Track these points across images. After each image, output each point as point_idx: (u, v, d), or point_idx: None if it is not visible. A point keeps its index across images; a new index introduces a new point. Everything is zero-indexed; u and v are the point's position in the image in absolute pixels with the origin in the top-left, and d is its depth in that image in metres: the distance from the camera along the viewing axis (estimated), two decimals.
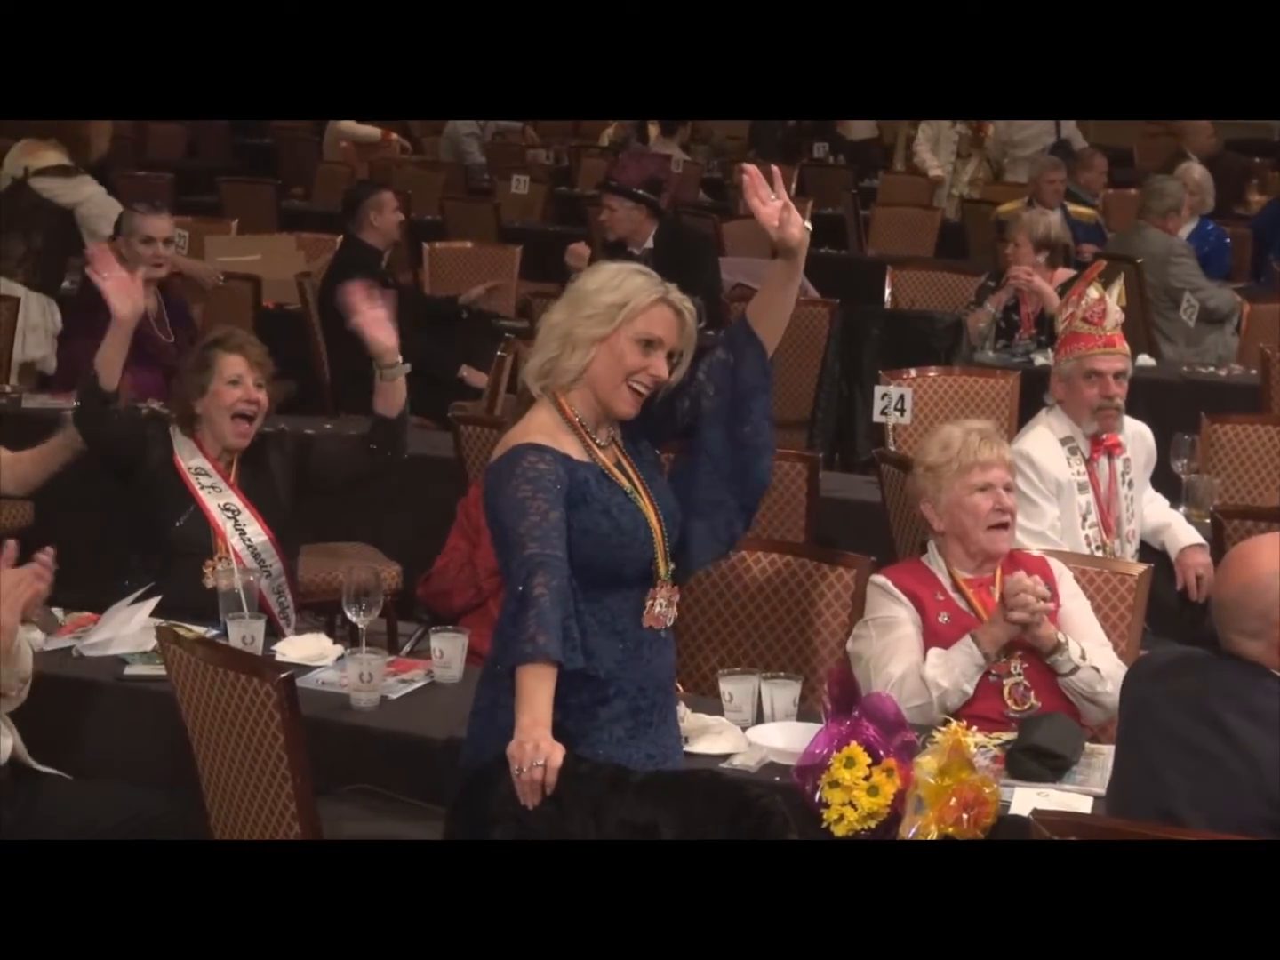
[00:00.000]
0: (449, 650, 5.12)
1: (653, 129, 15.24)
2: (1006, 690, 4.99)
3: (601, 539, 4.16)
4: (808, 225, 4.24)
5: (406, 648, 6.18)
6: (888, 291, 10.36)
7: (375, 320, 5.74)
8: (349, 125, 15.46)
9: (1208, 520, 6.30)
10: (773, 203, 4.21)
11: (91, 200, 9.81)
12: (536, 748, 3.88)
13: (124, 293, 5.81)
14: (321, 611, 6.46)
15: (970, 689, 4.94)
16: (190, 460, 5.75)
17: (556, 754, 3.89)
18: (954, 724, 4.48)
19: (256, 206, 13.06)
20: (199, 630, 5.10)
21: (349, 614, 5.16)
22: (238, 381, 5.72)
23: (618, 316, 4.20)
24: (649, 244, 9.29)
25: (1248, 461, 7.07)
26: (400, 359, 5.77)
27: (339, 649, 5.27)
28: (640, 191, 9.60)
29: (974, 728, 4.53)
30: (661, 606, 4.27)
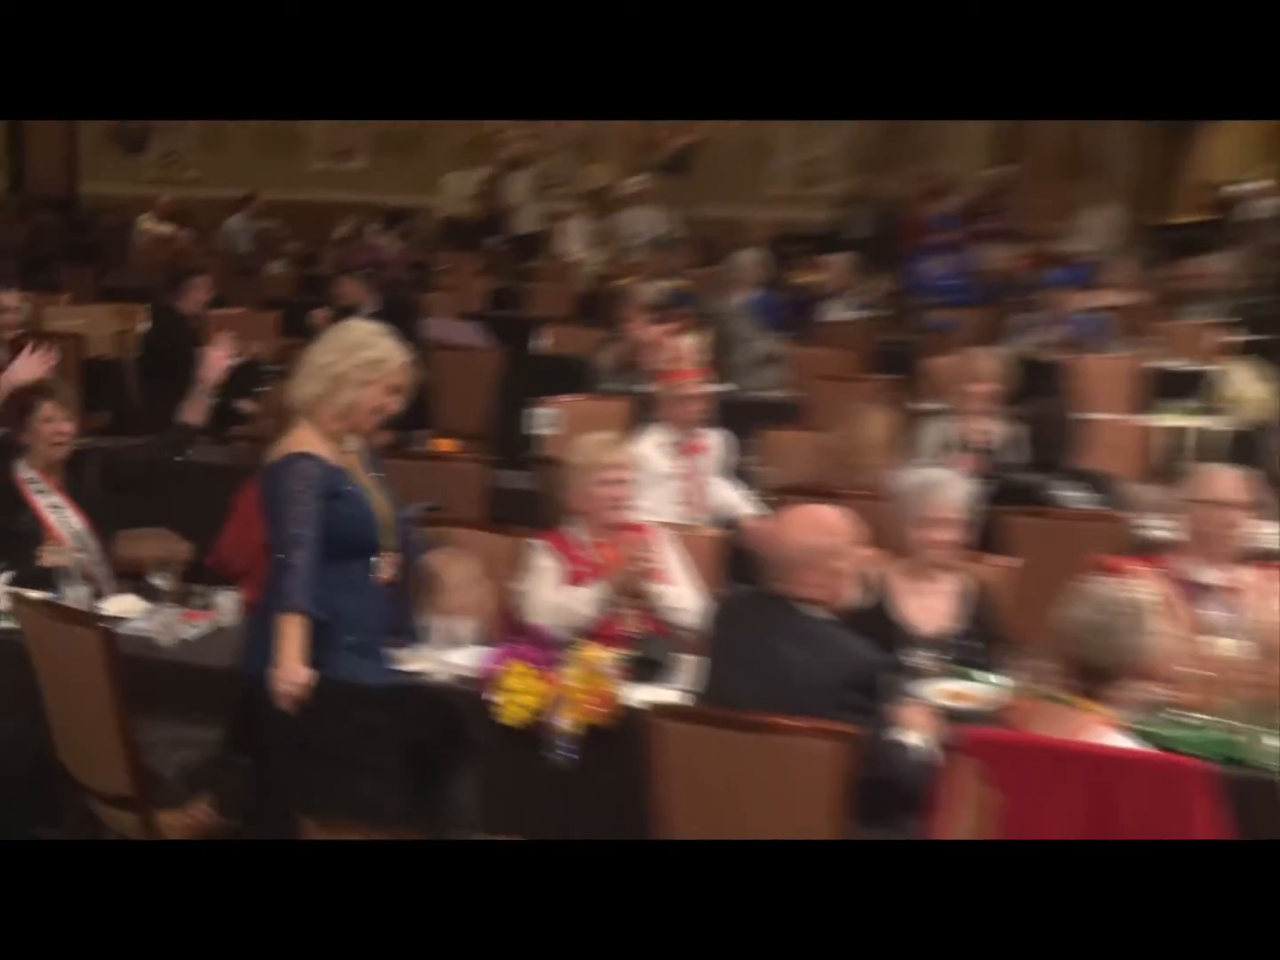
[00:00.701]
0: (228, 604, 5.15)
1: (373, 225, 15.12)
2: (626, 619, 5.08)
3: (348, 521, 4.16)
4: None
5: (197, 602, 6.07)
6: (543, 341, 10.42)
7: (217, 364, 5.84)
8: (150, 224, 15.11)
9: (767, 499, 6.50)
10: None
11: None
12: (291, 671, 3.95)
13: None
14: (133, 578, 6.34)
15: (599, 615, 5.03)
16: (25, 473, 5.66)
17: (304, 674, 3.96)
18: (589, 643, 4.59)
19: (83, 284, 12.68)
20: (41, 595, 5.02)
21: (153, 580, 5.17)
22: (51, 419, 5.66)
23: (379, 370, 4.20)
24: (372, 309, 9.24)
25: (794, 457, 7.23)
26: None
27: (147, 605, 5.23)
28: (366, 270, 9.60)
29: (603, 645, 4.64)
30: (387, 569, 4.27)
